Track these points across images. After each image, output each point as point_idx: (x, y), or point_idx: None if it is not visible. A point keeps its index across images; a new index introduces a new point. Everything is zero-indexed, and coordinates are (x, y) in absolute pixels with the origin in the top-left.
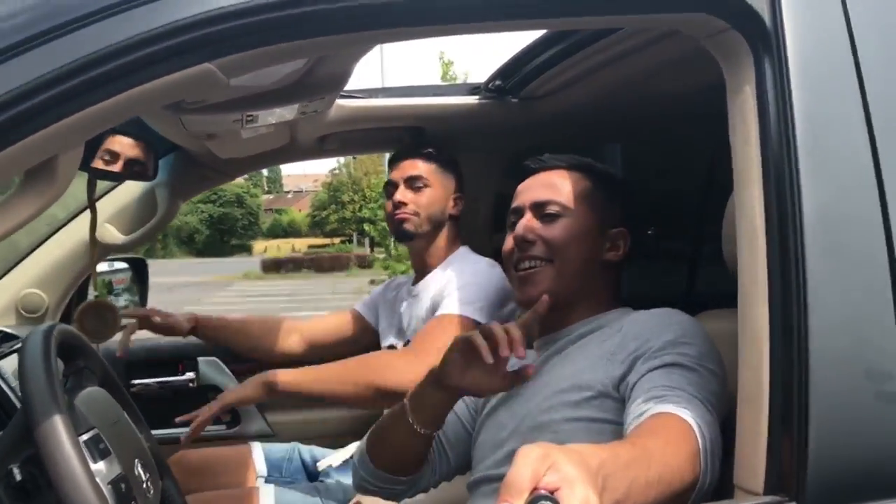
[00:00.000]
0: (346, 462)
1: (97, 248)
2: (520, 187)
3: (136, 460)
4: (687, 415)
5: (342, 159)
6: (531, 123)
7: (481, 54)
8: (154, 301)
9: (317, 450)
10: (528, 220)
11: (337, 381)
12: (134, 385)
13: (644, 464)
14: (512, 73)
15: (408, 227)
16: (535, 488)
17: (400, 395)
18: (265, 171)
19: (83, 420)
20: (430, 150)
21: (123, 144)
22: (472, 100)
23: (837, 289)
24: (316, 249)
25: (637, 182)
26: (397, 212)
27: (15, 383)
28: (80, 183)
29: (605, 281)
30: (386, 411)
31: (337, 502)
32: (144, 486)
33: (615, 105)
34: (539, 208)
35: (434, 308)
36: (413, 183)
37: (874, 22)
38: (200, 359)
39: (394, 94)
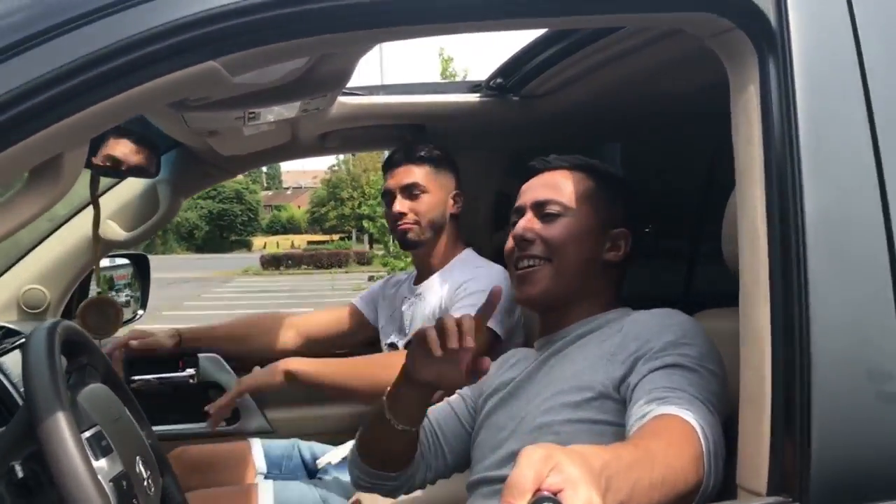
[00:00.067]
0: (345, 459)
1: (100, 245)
2: (523, 187)
3: (138, 457)
4: (690, 416)
5: (341, 156)
6: (532, 122)
7: (481, 51)
8: (153, 297)
9: (316, 447)
10: (528, 220)
11: (353, 377)
12: (134, 381)
13: (647, 465)
14: (513, 71)
15: (411, 236)
16: (539, 489)
17: None
18: (264, 168)
19: (86, 417)
20: (422, 153)
21: (125, 151)
22: (473, 98)
23: (839, 289)
24: (315, 246)
25: (636, 181)
26: (398, 223)
27: (16, 379)
28: (81, 179)
29: (606, 281)
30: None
31: (336, 499)
32: (145, 483)
33: (615, 104)
34: (540, 208)
35: (444, 311)
36: (410, 191)
37: (879, 23)
38: (201, 355)
39: (395, 92)
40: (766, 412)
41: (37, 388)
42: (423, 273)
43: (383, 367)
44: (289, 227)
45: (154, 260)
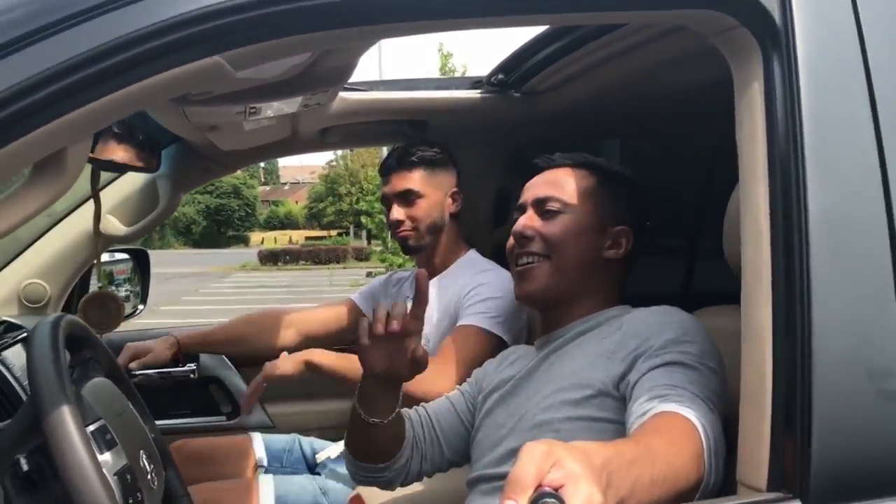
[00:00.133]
0: None
1: (101, 239)
2: (526, 185)
3: (142, 451)
4: (690, 414)
5: (339, 151)
6: (533, 118)
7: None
8: (151, 292)
9: (316, 441)
10: (528, 217)
11: None
12: (135, 376)
13: (648, 462)
14: (515, 68)
15: (411, 242)
16: (540, 485)
17: (420, 402)
18: (262, 163)
19: (90, 411)
20: (414, 158)
21: (125, 156)
22: (475, 94)
23: (841, 287)
24: (313, 241)
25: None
26: (397, 230)
27: (19, 373)
28: (81, 174)
29: (607, 278)
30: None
31: (335, 493)
32: (149, 477)
33: (617, 101)
34: (540, 205)
35: (451, 315)
36: (405, 198)
37: (883, 21)
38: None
39: (396, 88)
40: (767, 409)
41: (42, 382)
42: (427, 273)
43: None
44: (286, 223)
45: (152, 255)
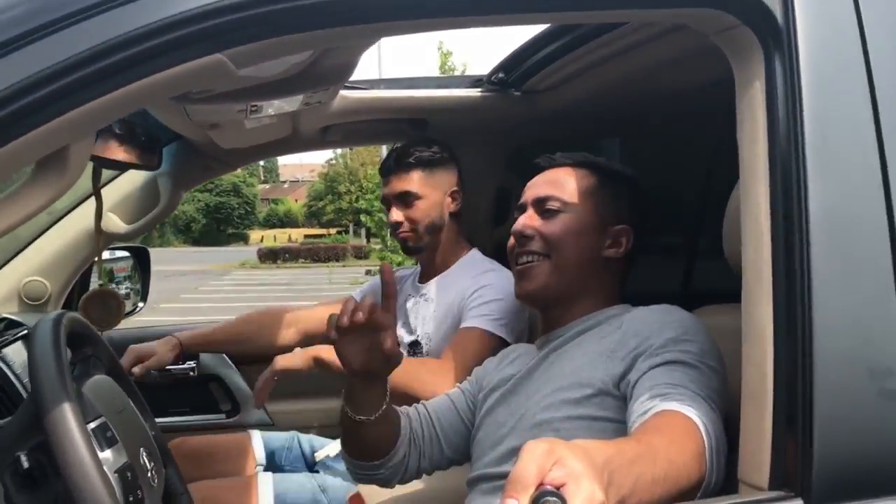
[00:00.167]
0: None
1: (102, 237)
2: (528, 184)
3: (142, 449)
4: (692, 413)
5: (339, 150)
6: (533, 117)
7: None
8: (151, 289)
9: (315, 439)
10: (528, 216)
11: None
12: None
13: (650, 461)
14: (514, 67)
15: (410, 244)
16: (541, 484)
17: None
18: (261, 161)
19: (91, 408)
20: (411, 159)
21: (126, 156)
22: (475, 92)
23: (842, 286)
24: (312, 239)
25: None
26: (396, 232)
27: (19, 370)
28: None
29: (607, 277)
30: None
31: (334, 491)
32: (149, 474)
33: (617, 100)
34: (540, 204)
35: (453, 315)
36: (403, 199)
37: (885, 21)
38: None
39: (397, 86)
40: (769, 408)
41: (43, 380)
42: (428, 272)
43: (400, 373)
44: (286, 221)
45: (151, 252)
